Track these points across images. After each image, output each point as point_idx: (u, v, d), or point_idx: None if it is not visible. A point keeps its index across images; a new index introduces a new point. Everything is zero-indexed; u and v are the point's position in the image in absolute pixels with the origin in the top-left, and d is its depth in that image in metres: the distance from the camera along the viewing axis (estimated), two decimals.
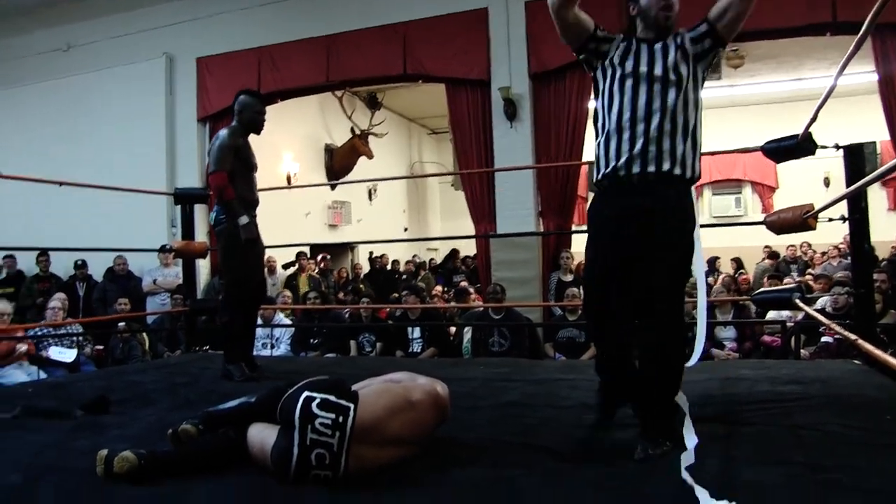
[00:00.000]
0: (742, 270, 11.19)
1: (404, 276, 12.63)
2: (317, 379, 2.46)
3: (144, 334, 7.58)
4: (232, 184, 4.36)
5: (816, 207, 3.86)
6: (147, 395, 3.89)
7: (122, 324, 7.57)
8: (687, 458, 2.30)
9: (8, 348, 6.53)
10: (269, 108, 9.30)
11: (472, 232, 8.40)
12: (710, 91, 12.03)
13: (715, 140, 12.82)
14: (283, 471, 2.29)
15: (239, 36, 9.29)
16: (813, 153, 3.92)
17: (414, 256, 14.17)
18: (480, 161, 8.09)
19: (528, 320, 6.93)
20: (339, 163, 12.90)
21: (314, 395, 2.36)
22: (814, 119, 3.67)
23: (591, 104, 7.83)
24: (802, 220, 3.90)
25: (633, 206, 2.58)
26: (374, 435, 2.34)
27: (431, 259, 15.09)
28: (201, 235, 8.10)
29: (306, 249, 11.04)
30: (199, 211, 4.70)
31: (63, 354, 6.78)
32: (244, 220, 4.34)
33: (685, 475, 2.16)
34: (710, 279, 8.91)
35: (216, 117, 9.39)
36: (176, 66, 9.80)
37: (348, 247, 13.74)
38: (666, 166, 2.55)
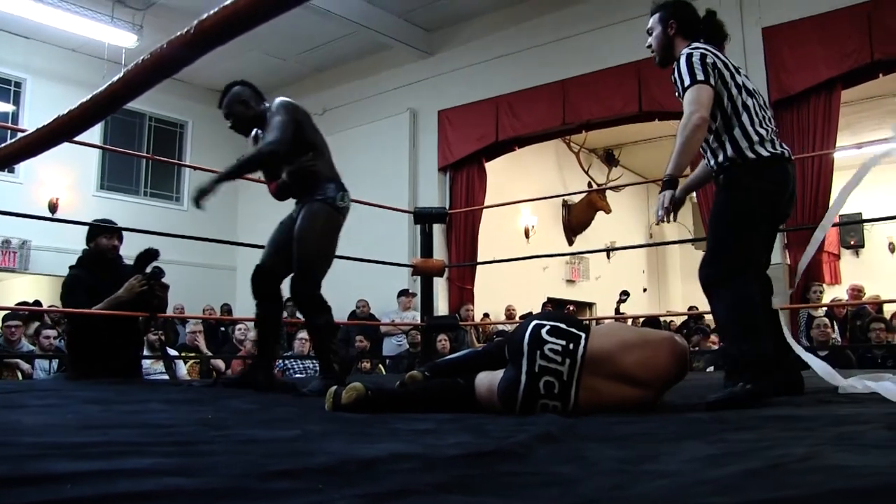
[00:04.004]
0: None
1: None
2: (546, 311, 2.31)
3: (381, 366, 7.78)
4: None
5: None
6: None
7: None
8: None
9: None
10: (506, 158, 9.71)
11: None
12: None
13: None
14: (510, 401, 2.13)
15: (477, 88, 9.61)
16: None
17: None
18: None
19: None
20: (576, 218, 12.84)
21: (544, 322, 2.19)
22: None
23: (841, 124, 7.22)
24: None
25: None
26: (605, 367, 2.12)
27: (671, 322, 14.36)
28: (439, 253, 8.16)
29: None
30: (437, 231, 4.74)
31: None
32: None
33: None
34: None
35: (456, 166, 9.76)
36: (419, 120, 10.30)
37: (587, 306, 13.47)
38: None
